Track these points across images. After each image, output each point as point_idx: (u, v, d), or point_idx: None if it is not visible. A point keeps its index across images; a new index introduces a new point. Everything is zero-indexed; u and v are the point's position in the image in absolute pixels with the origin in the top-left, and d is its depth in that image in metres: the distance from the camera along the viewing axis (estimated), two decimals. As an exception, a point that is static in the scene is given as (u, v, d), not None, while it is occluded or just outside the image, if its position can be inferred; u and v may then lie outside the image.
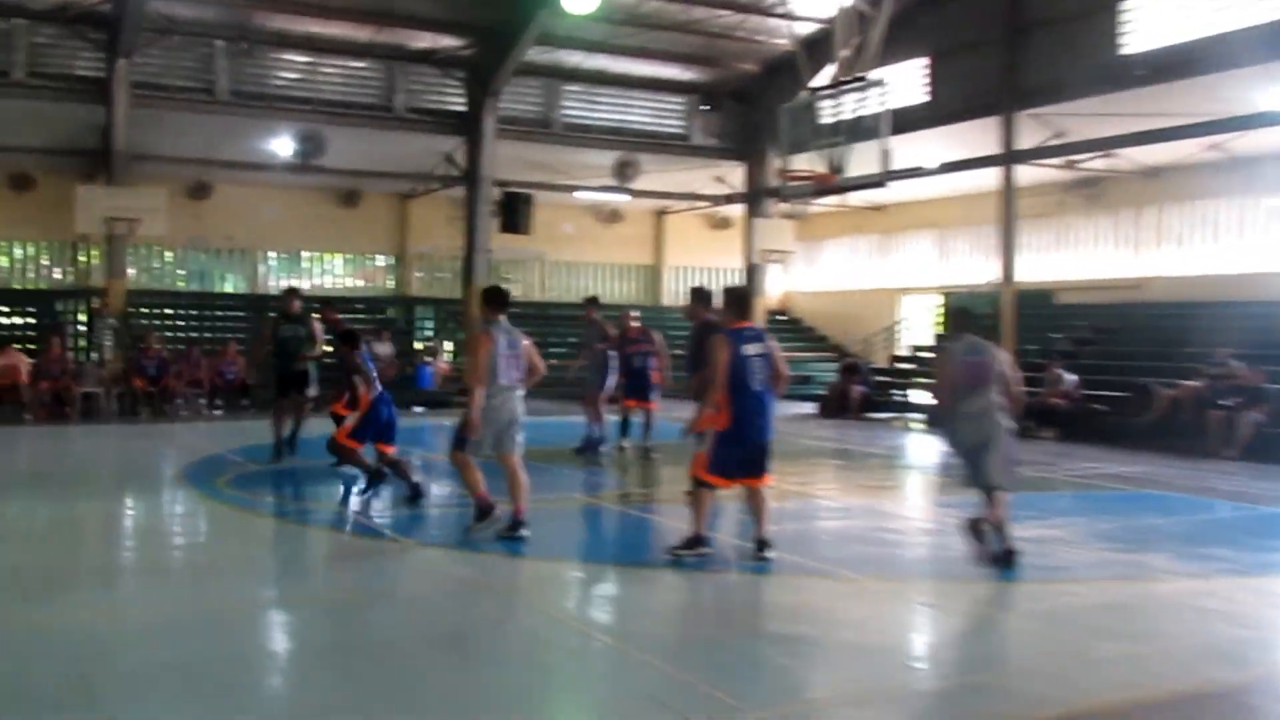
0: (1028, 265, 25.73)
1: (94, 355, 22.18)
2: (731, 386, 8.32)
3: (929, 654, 6.68)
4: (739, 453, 8.44)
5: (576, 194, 27.81)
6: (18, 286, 25.79)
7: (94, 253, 26.00)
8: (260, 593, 7.82)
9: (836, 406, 23.00)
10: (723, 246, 32.18)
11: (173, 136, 22.53)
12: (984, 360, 8.61)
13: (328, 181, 26.63)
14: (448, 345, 25.90)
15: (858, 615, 7.22)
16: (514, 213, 25.24)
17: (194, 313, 26.15)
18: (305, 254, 28.69)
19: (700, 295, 11.34)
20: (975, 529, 8.44)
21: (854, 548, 9.46)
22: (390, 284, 29.58)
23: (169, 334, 24.26)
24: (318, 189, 27.47)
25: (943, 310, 27.57)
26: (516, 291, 30.74)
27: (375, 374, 11.67)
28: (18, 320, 24.85)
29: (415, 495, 10.96)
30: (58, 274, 26.50)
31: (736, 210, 29.60)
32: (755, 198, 27.53)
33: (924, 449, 17.34)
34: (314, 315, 14.84)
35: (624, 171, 26.99)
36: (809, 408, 24.04)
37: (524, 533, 9.09)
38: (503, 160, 24.54)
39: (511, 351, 9.20)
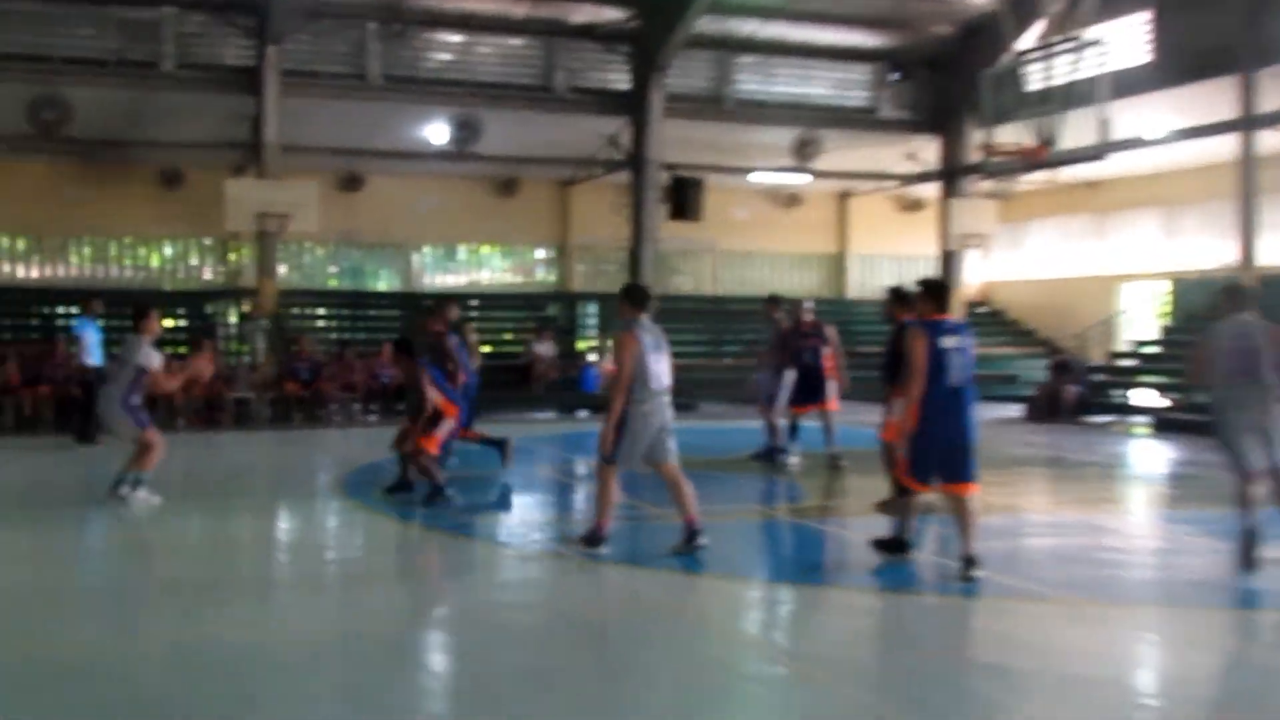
0: (1272, 246, 24.69)
1: (245, 359, 23.21)
2: (926, 382, 8.48)
3: (1161, 690, 6.50)
4: (935, 454, 8.56)
5: (751, 176, 27.82)
6: (167, 288, 27.11)
7: (244, 251, 27.18)
8: (425, 610, 8.09)
9: (1046, 409, 22.48)
10: (914, 231, 31.75)
11: (324, 126, 23.36)
12: (1252, 346, 8.73)
13: (484, 170, 27.25)
14: (613, 344, 26.17)
15: (1076, 644, 7.07)
16: (683, 198, 25.37)
17: (346, 312, 27.10)
18: (461, 248, 29.38)
19: (900, 296, 11.28)
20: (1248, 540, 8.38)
21: (1071, 568, 9.26)
22: (551, 278, 30.08)
23: (321, 335, 25.24)
24: (474, 178, 28.14)
25: (1170, 296, 26.64)
26: (686, 285, 30.97)
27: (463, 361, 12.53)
28: (168, 323, 26.14)
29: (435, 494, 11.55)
30: (207, 274, 27.76)
31: (930, 190, 29.17)
32: (952, 176, 27.08)
33: (1149, 456, 16.82)
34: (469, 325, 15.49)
35: (804, 150, 26.86)
36: (1015, 411, 23.53)
37: (702, 541, 9.18)
38: (670, 141, 24.71)
39: (658, 353, 9.28)
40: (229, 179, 23.42)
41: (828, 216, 32.27)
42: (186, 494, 13.19)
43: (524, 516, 12.25)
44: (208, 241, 27.40)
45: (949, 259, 27.64)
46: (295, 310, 26.24)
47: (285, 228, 22.03)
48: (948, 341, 8.58)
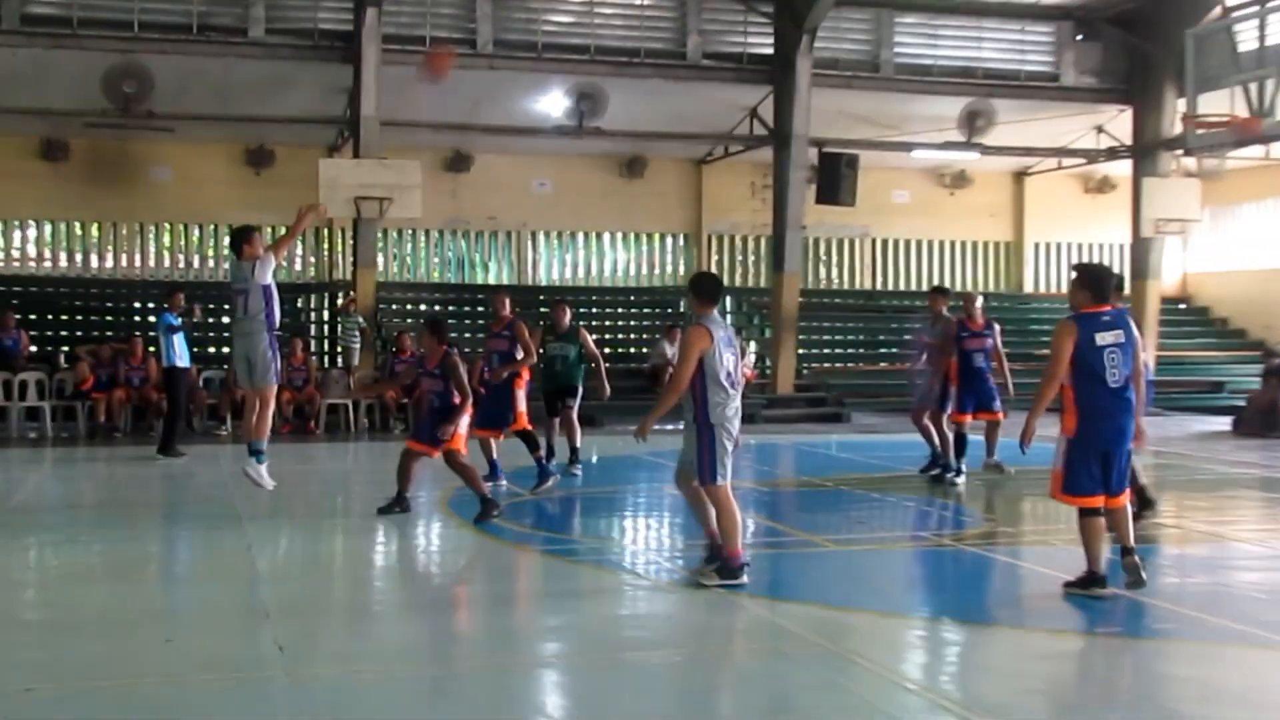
0: None
1: (340, 360, 23.67)
2: (1079, 382, 8.69)
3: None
4: (1093, 464, 8.76)
5: (914, 153, 27.61)
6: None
7: (340, 239, 27.73)
8: (542, 644, 8.18)
9: (1260, 421, 21.96)
10: (1103, 215, 31.27)
11: (428, 99, 23.65)
12: None
13: (608, 147, 27.43)
14: (752, 346, 26.20)
15: (1300, 697, 6.92)
16: (834, 179, 25.28)
17: (453, 308, 27.48)
18: (580, 235, 29.63)
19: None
20: None
21: (1291, 609, 9.04)
22: (682, 270, 30.17)
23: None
24: (595, 156, 28.35)
25: None
26: (836, 277, 30.82)
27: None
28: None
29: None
30: (298, 264, 28.38)
31: (1122, 169, 28.65)
32: (1148, 152, 26.56)
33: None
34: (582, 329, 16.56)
35: (974, 123, 26.56)
36: (1222, 423, 23.01)
37: (742, 579, 9.15)
38: (820, 114, 24.62)
39: (732, 350, 9.25)
40: (323, 158, 23.91)
41: (1001, 199, 31.88)
42: (276, 511, 13.52)
43: (642, 540, 12.32)
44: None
45: (1143, 247, 27.10)
46: (395, 305, 26.70)
47: (385, 212, 22.39)
48: (1105, 337, 8.69)
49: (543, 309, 28.20)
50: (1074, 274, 9.20)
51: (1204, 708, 6.81)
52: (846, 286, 31.15)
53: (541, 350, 15.61)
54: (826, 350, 29.00)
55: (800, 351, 26.16)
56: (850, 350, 29.02)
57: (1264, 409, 22.23)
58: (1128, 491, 9.05)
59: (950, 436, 15.02)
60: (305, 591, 9.64)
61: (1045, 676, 7.41)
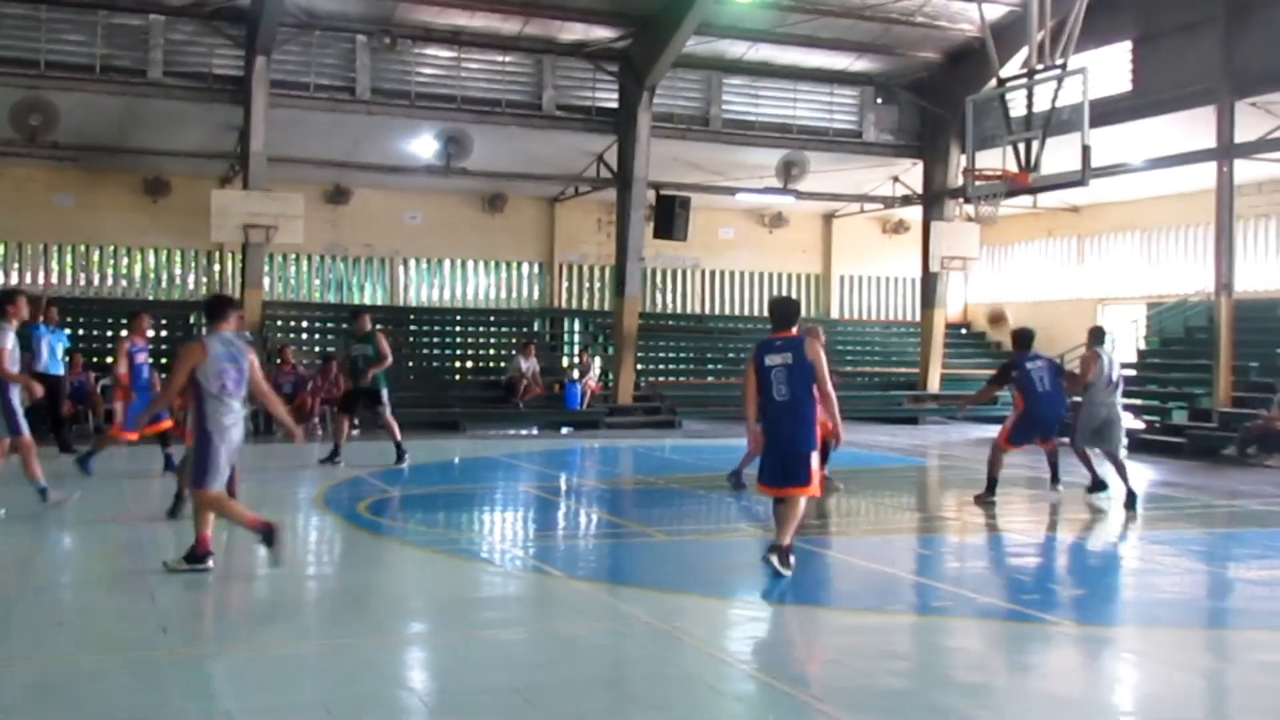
0: (1249, 272, 24.85)
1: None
2: (761, 396, 9.16)
3: (1142, 709, 6.51)
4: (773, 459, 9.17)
5: (738, 196, 27.87)
6: (151, 298, 27.01)
7: (229, 262, 27.09)
8: (407, 626, 8.06)
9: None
10: (898, 253, 31.94)
11: (311, 138, 23.34)
12: None
13: (472, 185, 27.25)
14: (597, 361, 26.21)
15: (1057, 664, 7.10)
16: (669, 217, 25.44)
17: (331, 325, 27.03)
18: (447, 262, 29.36)
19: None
20: None
21: (1050, 587, 9.28)
22: (536, 295, 30.07)
23: (305, 348, 25.19)
24: (461, 193, 28.14)
25: (1147, 320, 26.79)
26: (671, 302, 30.98)
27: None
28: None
29: None
30: (192, 284, 27.66)
31: (914, 213, 29.28)
32: (935, 199, 27.19)
33: (1130, 477, 16.85)
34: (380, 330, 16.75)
35: (790, 171, 26.94)
36: (994, 431, 23.60)
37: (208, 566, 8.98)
38: (658, 160, 24.74)
39: (234, 364, 8.95)
40: (215, 189, 23.39)
41: (812, 237, 32.34)
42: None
43: (496, 531, 12.24)
44: (192, 252, 27.29)
45: (932, 280, 27.72)
46: (279, 322, 26.20)
47: (271, 239, 21.99)
48: (774, 359, 9.03)
49: (413, 326, 28.06)
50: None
51: (976, 674, 6.95)
52: (680, 310, 31.33)
53: (345, 353, 16.18)
54: (662, 365, 29.09)
55: (639, 367, 26.22)
56: (683, 366, 29.17)
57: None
58: (807, 488, 9.12)
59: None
60: (193, 578, 9.36)
61: (842, 649, 7.50)
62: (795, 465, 9.06)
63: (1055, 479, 14.50)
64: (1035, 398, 13.56)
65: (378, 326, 17.29)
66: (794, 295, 31.99)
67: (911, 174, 27.78)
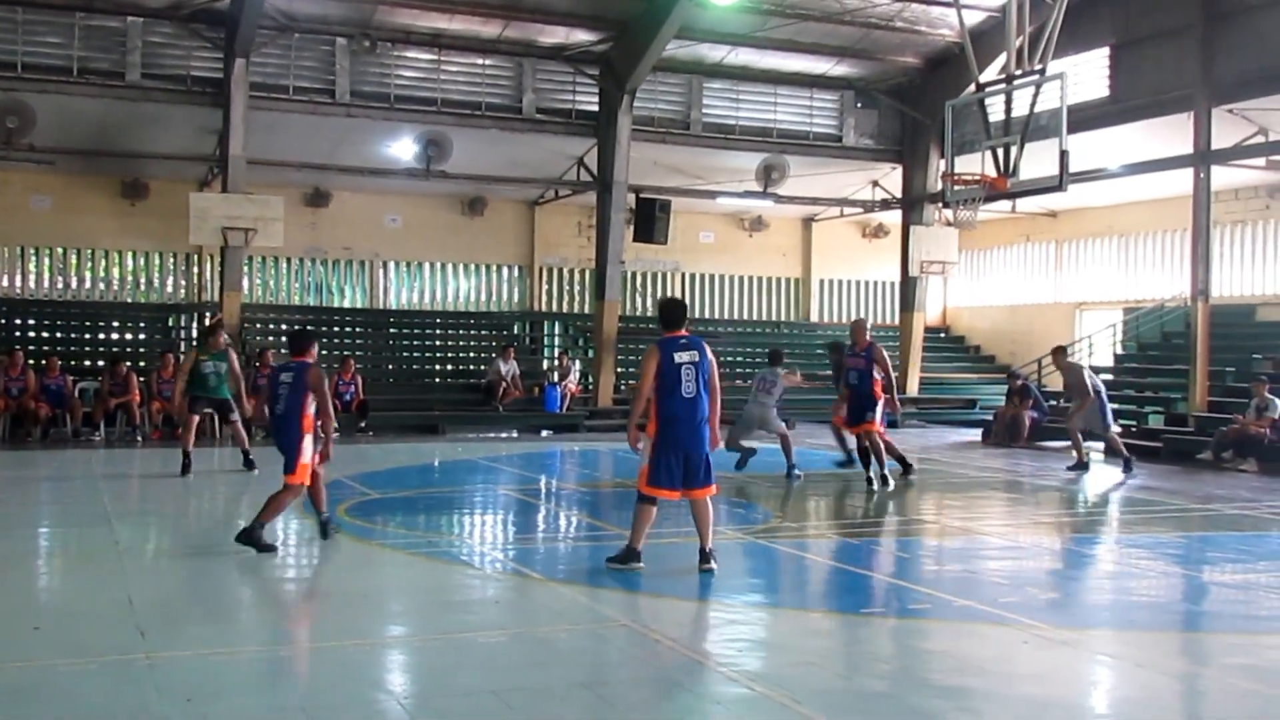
0: (1225, 278, 25.02)
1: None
2: (660, 394, 9.32)
3: (1117, 711, 6.55)
4: (674, 463, 9.37)
5: (718, 200, 27.92)
6: (129, 300, 26.88)
7: (208, 265, 27.00)
8: (384, 628, 8.04)
9: (1005, 433, 22.62)
10: (877, 257, 32.03)
11: (291, 141, 23.28)
12: None
13: (451, 188, 27.22)
14: (577, 364, 26.20)
15: (1035, 667, 7.12)
16: (649, 220, 25.47)
17: (311, 328, 26.87)
18: (427, 265, 29.32)
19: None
20: None
21: (1028, 591, 9.32)
22: (516, 298, 30.03)
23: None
24: (441, 196, 28.11)
25: (1124, 325, 26.93)
26: (651, 307, 30.99)
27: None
28: (128, 336, 25.92)
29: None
30: (170, 287, 27.54)
31: (893, 218, 29.38)
32: (915, 203, 27.29)
33: (1104, 481, 16.95)
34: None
35: (770, 175, 27.00)
36: (974, 434, 23.71)
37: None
38: (638, 164, 24.78)
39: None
40: (193, 192, 23.35)
41: (792, 241, 32.41)
42: (145, 510, 13.09)
43: (476, 535, 12.22)
44: (172, 255, 27.17)
45: (911, 284, 27.81)
46: (259, 325, 26.11)
47: (250, 242, 21.95)
48: (682, 357, 9.26)
49: (393, 329, 28.01)
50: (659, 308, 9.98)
51: (954, 677, 6.96)
52: (654, 316, 31.28)
53: (194, 367, 15.92)
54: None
55: (619, 370, 26.23)
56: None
57: (1008, 422, 22.91)
58: (711, 488, 9.47)
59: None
60: (169, 584, 9.34)
61: (817, 651, 7.52)
62: (702, 466, 9.34)
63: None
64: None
65: (228, 343, 16.83)
66: (773, 299, 32.14)
67: (891, 178, 27.87)
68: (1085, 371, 18.46)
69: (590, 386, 25.75)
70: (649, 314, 31.05)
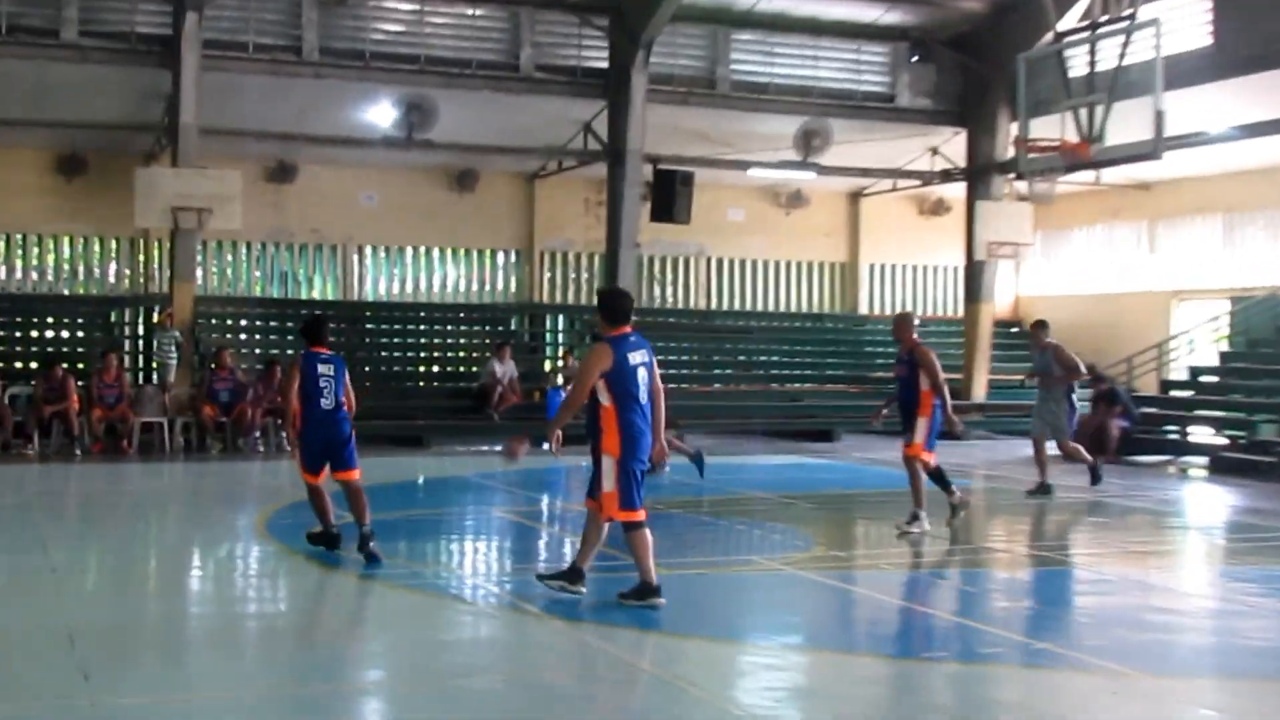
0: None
1: (155, 377, 23.10)
2: (620, 401, 9.38)
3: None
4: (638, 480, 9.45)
5: (750, 171, 27.85)
6: (66, 292, 26.98)
7: (156, 251, 27.06)
8: (362, 672, 8.04)
9: (1090, 444, 22.46)
10: (937, 237, 31.90)
11: (251, 107, 23.28)
12: None
13: (438, 160, 27.23)
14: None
15: (1123, 720, 7.11)
16: (669, 196, 25.38)
17: (275, 324, 27.01)
18: (409, 250, 29.33)
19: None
20: None
21: (1117, 632, 9.27)
22: (513, 287, 30.04)
23: (245, 350, 25.15)
24: (425, 169, 28.10)
25: (1230, 317, 26.80)
26: (671, 297, 30.98)
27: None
28: (65, 334, 26.01)
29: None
30: (112, 277, 27.63)
31: (956, 191, 29.28)
32: (981, 174, 27.18)
33: (1207, 502, 16.90)
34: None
35: (810, 142, 26.95)
36: (1050, 446, 23.60)
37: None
38: (655, 130, 24.75)
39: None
40: (139, 167, 23.36)
41: (837, 220, 32.32)
42: (83, 532, 13.14)
43: (466, 563, 12.23)
44: (113, 240, 27.24)
45: (977, 270, 27.71)
46: (215, 320, 26.17)
47: (205, 224, 21.96)
48: (636, 357, 9.46)
49: (369, 325, 28.06)
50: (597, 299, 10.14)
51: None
52: (681, 305, 31.31)
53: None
54: (660, 370, 28.96)
55: (634, 371, 26.16)
56: (685, 371, 29.11)
57: (1093, 432, 22.77)
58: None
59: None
60: (113, 617, 9.36)
61: (869, 701, 7.50)
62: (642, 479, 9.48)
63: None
64: None
65: None
66: (814, 287, 32.09)
67: (953, 145, 27.76)
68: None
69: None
70: (668, 305, 31.06)
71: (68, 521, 14.38)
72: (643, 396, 9.40)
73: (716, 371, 29.16)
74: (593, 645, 8.72)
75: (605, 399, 9.31)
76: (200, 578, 11.37)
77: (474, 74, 24.02)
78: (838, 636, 9.43)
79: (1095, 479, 16.72)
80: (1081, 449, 16.96)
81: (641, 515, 9.38)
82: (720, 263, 31.53)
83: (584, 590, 9.49)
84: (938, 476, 13.54)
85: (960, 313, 29.42)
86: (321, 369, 11.24)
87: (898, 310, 30.45)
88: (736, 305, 31.48)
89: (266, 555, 12.05)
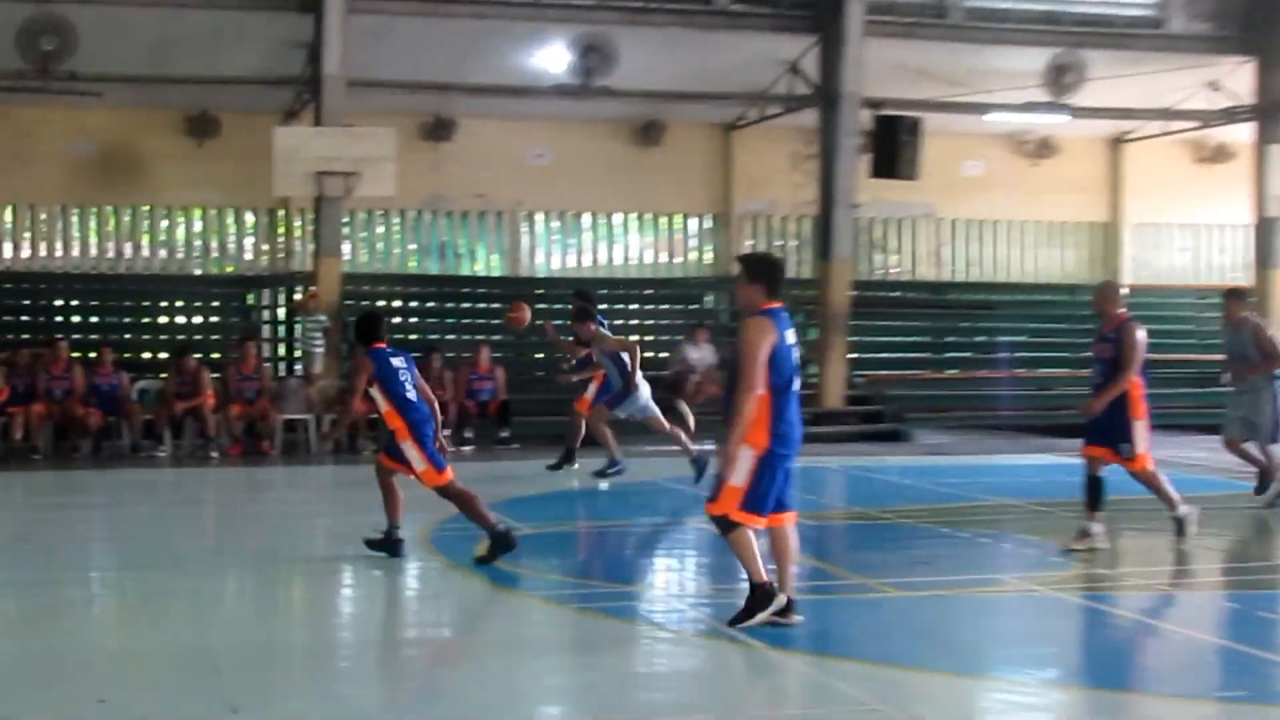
0: None
1: (299, 368, 23.59)
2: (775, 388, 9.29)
3: None
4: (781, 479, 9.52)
5: (988, 116, 27.55)
6: (198, 272, 27.74)
7: (298, 224, 27.69)
8: (545, 708, 8.14)
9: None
10: (1218, 190, 31.12)
11: (403, 55, 23.62)
12: None
13: (618, 110, 27.38)
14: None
15: None
16: (892, 147, 25.18)
17: (432, 305, 27.45)
18: (586, 216, 29.57)
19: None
20: None
21: None
22: (708, 258, 30.09)
23: (399, 336, 25.59)
24: (603, 122, 28.27)
25: None
26: (896, 267, 30.74)
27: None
28: (197, 319, 26.73)
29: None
30: (249, 253, 28.34)
31: (1241, 134, 28.55)
32: (1273, 113, 26.49)
33: None
34: None
35: (1061, 79, 26.47)
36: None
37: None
38: (875, 69, 24.59)
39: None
40: (278, 126, 23.85)
41: (1094, 171, 31.79)
42: (227, 546, 13.52)
43: (664, 582, 12.30)
44: (250, 211, 27.92)
45: (1269, 229, 27.00)
46: (365, 301, 26.67)
47: (352, 190, 22.35)
48: (792, 337, 9.42)
49: (540, 304, 28.34)
50: (743, 266, 9.69)
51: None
52: (907, 277, 31.07)
53: None
54: (883, 355, 28.90)
55: (852, 356, 26.09)
56: (912, 354, 28.91)
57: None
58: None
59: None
60: (262, 643, 9.63)
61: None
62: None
63: None
64: None
65: None
66: (1069, 251, 31.59)
67: (1237, 77, 27.05)
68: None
69: (813, 380, 25.67)
70: (892, 277, 30.82)
71: (206, 534, 14.82)
72: (796, 383, 9.38)
73: (950, 355, 28.88)
74: (814, 679, 8.71)
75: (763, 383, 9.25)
76: (355, 598, 11.61)
77: (660, 8, 24.12)
78: (1108, 671, 9.28)
79: (1262, 487, 15.73)
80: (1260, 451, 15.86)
81: (762, 523, 9.36)
82: (953, 225, 31.27)
83: (799, 619, 9.45)
84: (1097, 488, 13.03)
85: (1251, 281, 28.65)
86: (395, 362, 11.96)
87: (1166, 280, 29.92)
88: (973, 275, 31.13)
89: (431, 572, 12.25)
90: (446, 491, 11.97)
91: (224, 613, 10.96)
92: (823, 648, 9.29)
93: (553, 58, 25.15)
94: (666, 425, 17.36)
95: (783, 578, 9.50)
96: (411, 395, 11.91)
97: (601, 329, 17.37)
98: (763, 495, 9.27)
